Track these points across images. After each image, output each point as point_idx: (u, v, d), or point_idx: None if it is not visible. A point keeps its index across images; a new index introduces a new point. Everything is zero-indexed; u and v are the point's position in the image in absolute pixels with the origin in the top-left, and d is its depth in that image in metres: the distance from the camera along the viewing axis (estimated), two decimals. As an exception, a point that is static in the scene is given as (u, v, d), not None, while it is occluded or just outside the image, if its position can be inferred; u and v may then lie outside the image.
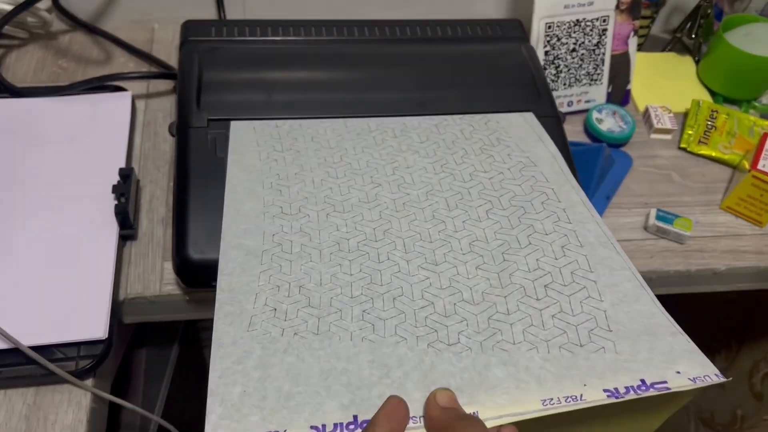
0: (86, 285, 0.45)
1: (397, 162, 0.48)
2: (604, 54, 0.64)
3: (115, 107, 0.57)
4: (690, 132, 0.64)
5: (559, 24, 0.61)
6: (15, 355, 0.41)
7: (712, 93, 0.70)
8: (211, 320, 0.37)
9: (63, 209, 0.49)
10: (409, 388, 0.32)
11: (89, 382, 0.42)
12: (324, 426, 0.31)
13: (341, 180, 0.46)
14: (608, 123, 0.63)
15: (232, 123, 0.49)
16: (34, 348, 0.41)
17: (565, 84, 0.64)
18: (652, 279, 0.54)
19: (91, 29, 0.66)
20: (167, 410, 0.60)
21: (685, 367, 0.33)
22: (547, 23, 0.61)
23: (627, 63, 0.66)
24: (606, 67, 0.65)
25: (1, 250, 0.46)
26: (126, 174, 0.50)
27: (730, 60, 0.67)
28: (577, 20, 0.62)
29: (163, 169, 0.55)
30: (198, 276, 0.44)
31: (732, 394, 0.94)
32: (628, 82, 0.67)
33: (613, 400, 0.31)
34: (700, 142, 0.63)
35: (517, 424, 0.30)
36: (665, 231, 0.55)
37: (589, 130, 0.63)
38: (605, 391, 0.32)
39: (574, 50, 0.63)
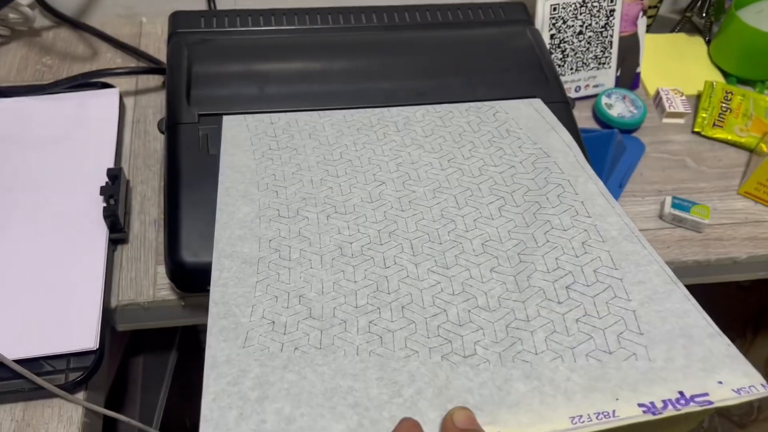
0: (74, 293, 0.42)
1: (401, 158, 0.45)
2: (612, 36, 0.62)
3: (102, 105, 0.54)
4: (704, 115, 0.61)
5: (564, 5, 0.59)
6: (0, 369, 0.39)
7: (725, 74, 0.67)
8: None
9: (49, 213, 0.46)
10: (423, 408, 0.30)
11: (81, 395, 0.40)
12: None
13: (342, 179, 0.43)
14: (618, 108, 0.60)
15: (225, 118, 0.47)
16: (21, 361, 0.39)
17: (572, 68, 0.61)
18: (669, 270, 0.52)
19: (76, 25, 0.64)
20: (167, 418, 0.57)
21: (727, 375, 0.30)
22: (552, 5, 0.58)
23: (636, 45, 0.63)
24: (614, 50, 0.62)
25: (-17, 259, 0.43)
26: (114, 175, 0.47)
27: (743, 39, 0.64)
28: (584, 1, 0.59)
29: (155, 168, 0.53)
30: (193, 280, 0.41)
31: (747, 384, 0.92)
32: (637, 65, 0.64)
33: (650, 416, 0.28)
34: (714, 125, 0.61)
35: None
36: (682, 219, 0.53)
37: (599, 115, 0.61)
38: (640, 405, 0.29)
39: (580, 33, 0.60)
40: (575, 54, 0.61)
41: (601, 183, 0.43)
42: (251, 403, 0.30)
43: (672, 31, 0.72)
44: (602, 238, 0.38)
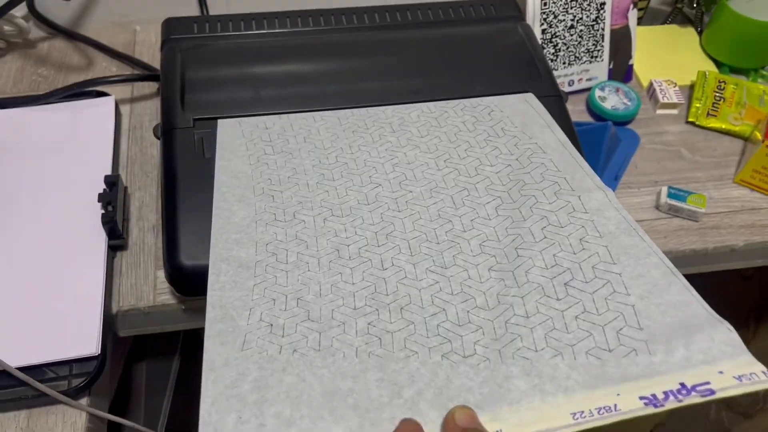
0: (75, 300, 0.43)
1: (397, 158, 0.45)
2: (603, 29, 0.62)
3: (98, 113, 0.55)
4: (698, 105, 0.62)
5: (555, 0, 0.59)
6: (3, 377, 0.39)
7: (718, 64, 0.67)
8: None
9: (48, 222, 0.47)
10: (423, 409, 0.30)
11: (84, 401, 0.40)
12: None
13: (338, 182, 0.44)
14: (612, 100, 0.61)
15: (219, 122, 0.47)
16: (24, 369, 0.39)
17: (564, 63, 0.62)
18: (667, 260, 0.52)
19: (70, 35, 0.64)
20: (171, 423, 0.58)
21: (728, 364, 0.30)
22: (542, 0, 0.58)
23: (628, 37, 0.63)
24: (606, 43, 0.62)
25: (-16, 268, 0.44)
26: (112, 182, 0.47)
27: (734, 28, 0.64)
28: (574, -5, 0.59)
29: (152, 175, 0.53)
30: (192, 284, 0.41)
31: (752, 374, 0.91)
32: (630, 57, 0.64)
33: (652, 409, 0.28)
34: (708, 114, 0.61)
35: None
36: (678, 209, 0.53)
37: (593, 108, 0.61)
38: (642, 398, 0.29)
39: (572, 27, 0.61)
40: (567, 48, 0.61)
41: (597, 178, 0.43)
42: (250, 407, 0.30)
43: (664, 22, 0.72)
44: (600, 234, 0.38)
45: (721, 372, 0.30)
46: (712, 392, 0.29)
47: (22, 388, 0.39)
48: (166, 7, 0.65)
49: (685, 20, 0.72)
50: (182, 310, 0.46)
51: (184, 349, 0.63)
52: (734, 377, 0.29)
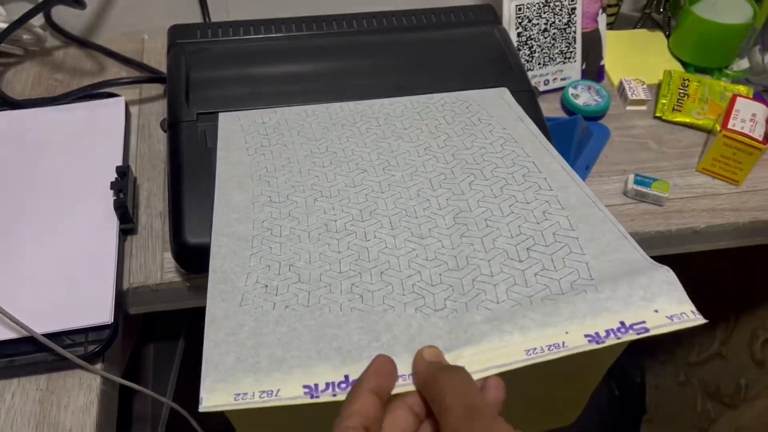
0: (91, 276, 0.47)
1: (382, 148, 0.50)
2: (575, 32, 0.67)
3: (109, 112, 0.59)
4: (664, 101, 0.66)
5: (528, 5, 0.64)
6: (27, 344, 0.43)
7: (685, 64, 0.72)
8: None
9: (66, 209, 0.51)
10: (397, 351, 0.34)
11: (99, 366, 0.45)
12: (316, 386, 0.32)
13: (327, 168, 0.48)
14: (584, 98, 0.65)
15: (220, 115, 0.52)
16: (45, 336, 0.43)
17: (540, 63, 0.66)
18: (633, 240, 0.56)
19: (84, 43, 0.70)
20: (177, 398, 0.62)
21: (664, 303, 0.33)
22: (517, 5, 0.64)
23: (598, 39, 0.68)
24: (578, 45, 0.67)
25: (10, 248, 0.48)
26: (123, 171, 0.52)
27: (698, 31, 0.69)
28: (546, 1, 0.64)
29: (159, 168, 0.58)
30: (196, 260, 0.46)
31: (735, 365, 0.95)
32: (601, 58, 0.69)
33: (594, 345, 0.32)
34: (674, 109, 0.66)
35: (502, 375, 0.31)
36: (644, 194, 0.57)
37: (566, 105, 0.66)
38: (586, 336, 0.33)
39: (545, 30, 0.66)
40: (542, 50, 0.66)
41: (564, 162, 0.47)
42: (247, 349, 0.34)
43: (634, 27, 0.77)
44: (562, 206, 0.42)
45: (656, 311, 0.33)
46: (647, 330, 0.32)
47: (42, 354, 0.43)
48: (171, 17, 0.70)
49: (654, 25, 0.77)
50: (187, 288, 0.50)
51: (188, 332, 0.67)
52: (666, 317, 0.33)
